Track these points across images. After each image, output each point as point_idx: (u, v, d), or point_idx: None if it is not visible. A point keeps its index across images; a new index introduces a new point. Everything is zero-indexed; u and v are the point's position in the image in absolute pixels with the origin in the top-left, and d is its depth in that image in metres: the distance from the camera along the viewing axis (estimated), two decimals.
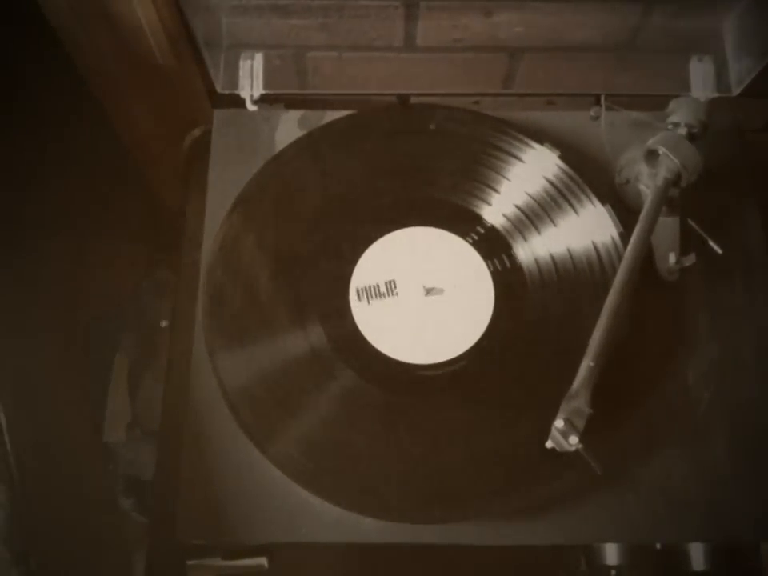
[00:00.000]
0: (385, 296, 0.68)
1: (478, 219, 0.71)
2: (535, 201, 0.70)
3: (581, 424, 0.56)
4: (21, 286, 0.84)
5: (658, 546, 0.66)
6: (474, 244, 0.69)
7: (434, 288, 0.68)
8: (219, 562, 0.67)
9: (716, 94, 0.77)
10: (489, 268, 0.69)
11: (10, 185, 0.83)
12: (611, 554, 0.66)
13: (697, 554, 0.66)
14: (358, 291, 0.68)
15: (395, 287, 0.68)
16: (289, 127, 0.76)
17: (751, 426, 0.66)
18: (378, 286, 0.68)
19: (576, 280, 0.67)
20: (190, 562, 0.67)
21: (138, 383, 1.09)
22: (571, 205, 0.69)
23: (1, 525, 0.58)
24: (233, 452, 0.64)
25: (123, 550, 0.96)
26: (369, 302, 0.68)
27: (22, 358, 0.79)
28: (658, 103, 0.72)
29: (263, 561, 0.68)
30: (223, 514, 0.63)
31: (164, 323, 0.64)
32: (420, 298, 0.68)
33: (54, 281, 0.95)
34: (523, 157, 0.71)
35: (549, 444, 0.57)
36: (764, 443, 0.65)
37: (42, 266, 0.91)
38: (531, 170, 0.71)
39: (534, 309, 0.67)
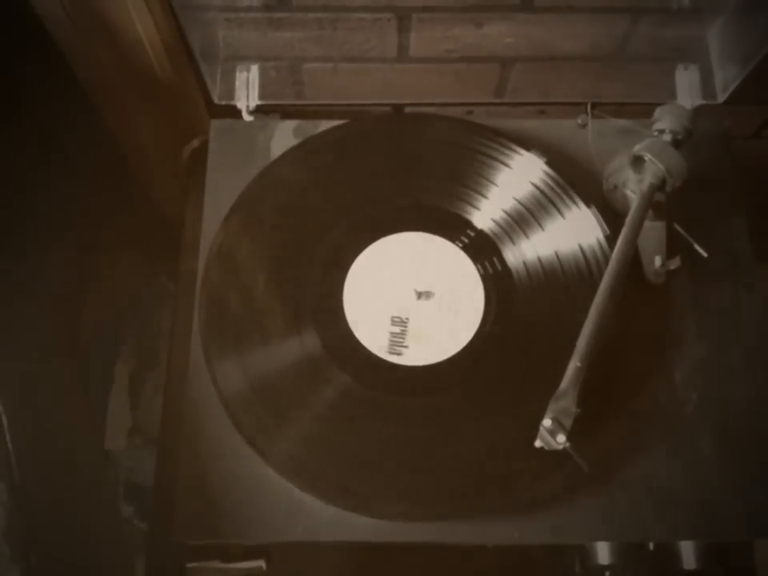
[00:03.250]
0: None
1: (468, 224, 0.72)
2: (523, 205, 0.72)
3: (568, 423, 0.57)
4: (23, 294, 0.85)
5: (651, 545, 0.67)
6: (464, 248, 0.71)
7: (425, 291, 0.69)
8: (218, 564, 0.68)
9: (702, 102, 0.78)
10: (478, 271, 0.70)
11: (11, 195, 0.85)
12: (604, 554, 0.67)
13: (688, 554, 0.66)
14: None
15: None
16: (284, 136, 0.78)
17: (738, 425, 0.67)
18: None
19: (563, 282, 0.69)
20: (189, 565, 0.67)
21: (138, 391, 1.11)
22: (558, 209, 0.71)
23: (1, 522, 0.59)
24: (229, 453, 0.65)
25: (124, 556, 0.97)
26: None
27: (24, 365, 0.80)
28: (645, 111, 0.73)
29: (261, 563, 0.69)
30: (220, 515, 0.64)
31: None
32: (412, 301, 0.69)
33: (56, 289, 0.97)
34: (511, 163, 0.73)
35: (537, 443, 0.59)
36: (751, 442, 0.66)
37: (44, 275, 0.93)
38: (519, 176, 0.73)
39: (522, 311, 0.69)
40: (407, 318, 0.69)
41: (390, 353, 0.67)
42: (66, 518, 0.79)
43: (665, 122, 0.69)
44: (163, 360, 1.10)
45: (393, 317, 0.69)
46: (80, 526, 0.84)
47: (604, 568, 0.67)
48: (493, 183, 0.73)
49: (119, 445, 1.06)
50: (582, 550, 0.68)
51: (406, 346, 0.68)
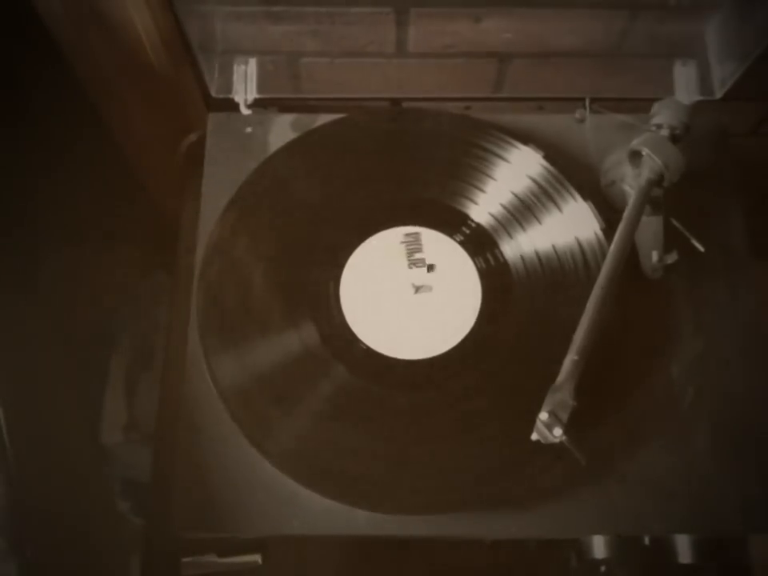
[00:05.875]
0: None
1: (465, 218, 0.72)
2: (520, 199, 0.72)
3: (565, 416, 0.58)
4: (20, 288, 0.85)
5: (647, 540, 0.67)
6: (462, 242, 0.71)
7: (422, 286, 0.70)
8: (214, 558, 0.68)
9: (699, 98, 0.78)
10: (476, 265, 0.70)
11: (8, 189, 0.85)
12: (600, 547, 0.67)
13: (683, 548, 0.67)
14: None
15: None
16: (282, 130, 0.78)
17: (735, 419, 0.67)
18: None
19: (561, 275, 0.69)
20: (184, 560, 0.68)
21: (135, 385, 1.10)
22: (555, 202, 0.71)
23: None
24: (226, 446, 0.65)
25: (120, 552, 0.97)
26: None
27: (20, 358, 0.80)
28: (643, 107, 0.73)
29: (257, 557, 0.69)
30: (217, 508, 0.64)
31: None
32: (409, 295, 0.69)
33: (53, 283, 0.96)
34: (509, 157, 0.73)
35: (534, 436, 0.59)
36: (747, 436, 0.66)
37: (40, 269, 0.93)
38: (516, 170, 0.73)
39: (520, 304, 0.69)
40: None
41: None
42: (62, 512, 0.79)
43: (663, 116, 0.70)
44: (159, 355, 1.10)
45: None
46: (76, 520, 0.84)
47: (600, 562, 0.67)
48: (490, 177, 0.73)
49: (115, 440, 1.06)
50: (577, 544, 0.69)
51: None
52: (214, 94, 0.79)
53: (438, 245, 0.71)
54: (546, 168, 0.72)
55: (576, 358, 0.59)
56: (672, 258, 0.69)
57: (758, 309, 0.71)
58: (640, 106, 0.74)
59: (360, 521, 0.63)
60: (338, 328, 0.68)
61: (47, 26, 0.76)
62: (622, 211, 0.65)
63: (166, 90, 0.86)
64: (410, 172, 0.74)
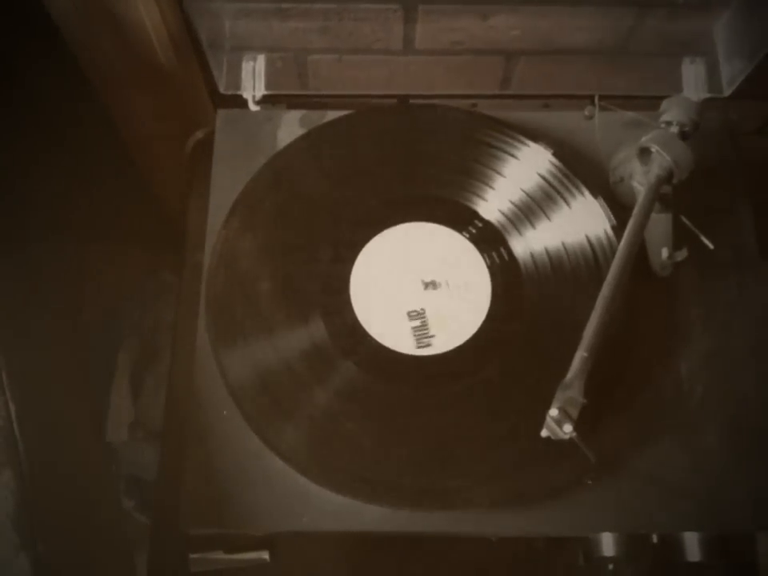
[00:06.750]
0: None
1: (475, 215, 0.72)
2: (530, 196, 0.72)
3: (575, 413, 0.57)
4: (26, 287, 0.85)
5: (655, 538, 0.67)
6: (471, 239, 0.71)
7: (431, 282, 0.70)
8: (221, 555, 0.68)
9: (708, 95, 0.78)
10: (485, 262, 0.70)
11: (14, 186, 0.85)
12: (608, 545, 0.67)
13: (692, 546, 0.66)
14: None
15: None
16: (290, 127, 0.78)
17: (744, 417, 0.67)
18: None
19: (570, 272, 0.69)
20: (192, 556, 0.67)
21: (140, 384, 1.10)
22: (564, 199, 0.71)
23: (10, 509, 0.59)
24: (235, 443, 0.65)
25: (125, 550, 0.97)
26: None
27: (30, 356, 0.80)
28: (651, 104, 0.73)
29: (265, 554, 0.68)
30: (226, 504, 0.64)
31: None
32: (419, 291, 0.69)
33: (59, 282, 0.97)
34: (518, 154, 0.73)
35: (544, 433, 0.59)
36: (756, 434, 0.66)
37: (46, 268, 0.93)
38: (526, 167, 0.73)
39: (529, 301, 0.69)
40: (423, 309, 0.69)
41: (419, 347, 0.67)
42: (69, 508, 0.79)
43: (672, 113, 0.69)
44: (165, 353, 1.10)
45: (409, 311, 0.69)
46: (83, 517, 0.84)
47: (608, 560, 0.67)
48: (500, 174, 0.73)
49: (121, 437, 1.06)
50: (585, 542, 0.68)
51: (432, 336, 0.68)
52: (222, 90, 0.79)
53: (447, 241, 0.71)
54: (555, 165, 0.72)
55: (585, 354, 0.59)
56: (681, 255, 0.69)
57: (766, 306, 0.71)
58: (648, 103, 0.74)
59: (369, 517, 0.63)
60: (347, 324, 0.68)
61: (56, 23, 0.76)
62: (631, 208, 0.65)
63: (173, 87, 0.86)
64: (419, 169, 0.74)
